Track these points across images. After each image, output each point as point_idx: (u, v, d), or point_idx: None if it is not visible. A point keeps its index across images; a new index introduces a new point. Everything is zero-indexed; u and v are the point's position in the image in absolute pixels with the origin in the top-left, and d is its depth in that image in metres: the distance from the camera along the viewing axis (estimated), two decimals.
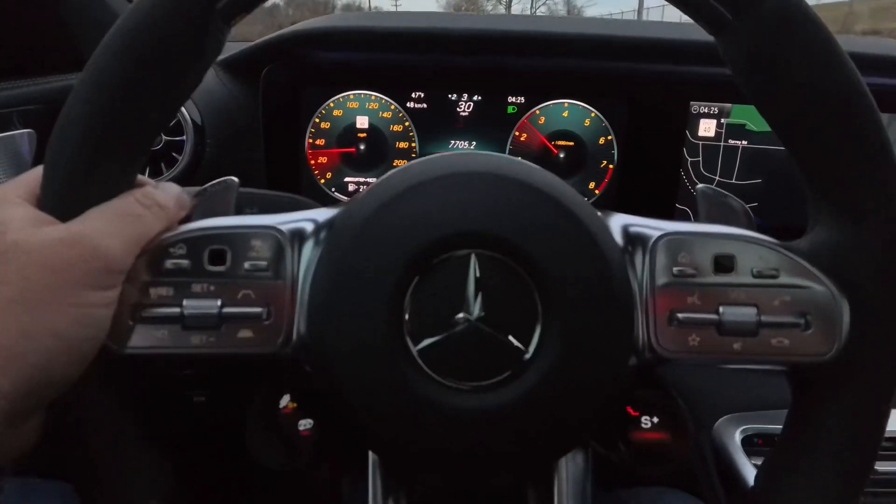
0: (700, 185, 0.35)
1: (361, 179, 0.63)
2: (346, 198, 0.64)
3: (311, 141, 0.62)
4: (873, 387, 0.28)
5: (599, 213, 0.30)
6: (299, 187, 0.63)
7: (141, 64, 0.25)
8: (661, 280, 0.28)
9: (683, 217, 0.63)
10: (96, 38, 0.61)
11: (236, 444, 0.30)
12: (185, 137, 0.58)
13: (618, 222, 0.30)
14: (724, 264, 0.28)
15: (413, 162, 0.30)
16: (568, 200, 0.28)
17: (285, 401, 0.30)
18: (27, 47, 0.57)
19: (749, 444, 0.54)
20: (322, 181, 0.63)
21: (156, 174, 0.59)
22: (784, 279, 0.28)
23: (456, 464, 0.28)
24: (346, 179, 0.63)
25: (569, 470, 0.33)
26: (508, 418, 0.26)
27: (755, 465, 0.53)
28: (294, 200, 0.44)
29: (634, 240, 0.29)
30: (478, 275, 0.27)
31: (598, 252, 0.27)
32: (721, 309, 0.28)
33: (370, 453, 0.34)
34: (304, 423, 0.29)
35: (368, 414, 0.27)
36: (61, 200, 0.25)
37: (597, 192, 0.64)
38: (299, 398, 0.30)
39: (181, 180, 0.59)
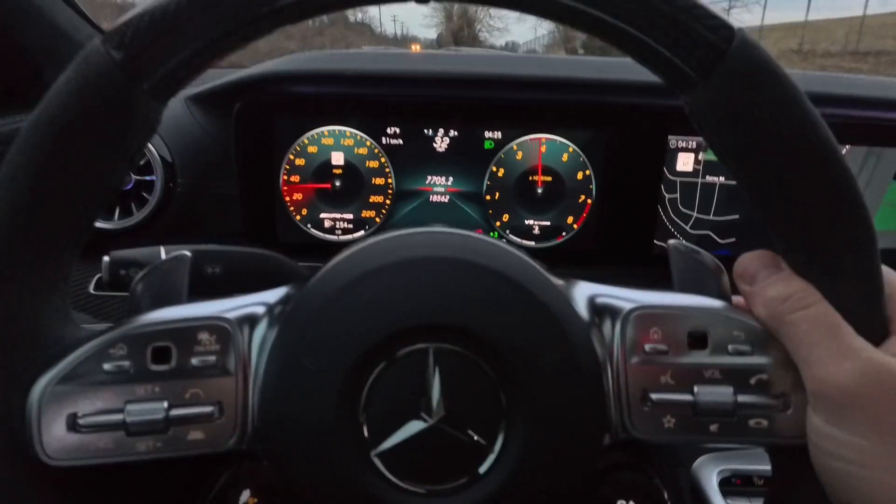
0: (672, 241, 0.33)
1: (338, 216, 0.61)
2: (322, 234, 0.62)
3: (286, 177, 0.60)
4: None
5: (562, 282, 0.29)
6: (274, 224, 0.61)
7: (66, 150, 0.23)
8: (633, 358, 0.27)
9: (661, 254, 0.62)
10: (59, 69, 0.58)
11: None
12: (154, 177, 0.56)
13: (583, 293, 0.29)
14: (697, 340, 0.27)
15: (364, 244, 0.28)
16: (528, 281, 0.27)
17: (245, 496, 0.28)
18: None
19: (727, 485, 0.53)
20: (297, 218, 0.61)
21: (126, 214, 0.56)
22: (760, 357, 0.26)
23: None
24: (322, 216, 0.61)
25: None
26: None
27: None
28: (260, 255, 0.42)
29: (602, 311, 0.28)
30: (438, 370, 0.25)
31: (561, 333, 0.26)
32: (696, 389, 0.26)
33: None
34: None
35: None
36: None
37: (575, 226, 0.62)
38: (260, 492, 0.28)
39: (151, 220, 0.57)
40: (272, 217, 0.61)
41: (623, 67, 0.59)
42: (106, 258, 0.41)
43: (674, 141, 0.59)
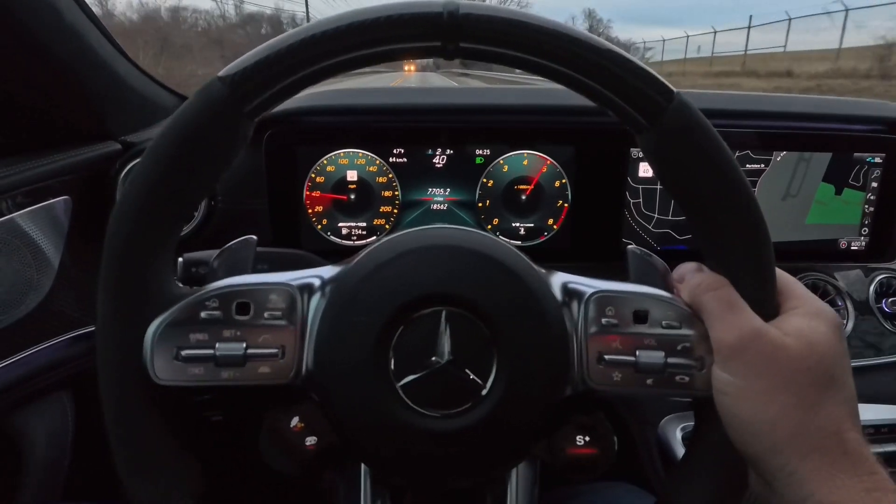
0: (630, 247, 0.41)
1: (353, 224, 0.70)
2: (340, 240, 0.71)
3: (308, 192, 0.69)
4: None
5: (543, 271, 0.36)
6: (299, 232, 0.70)
7: (183, 160, 0.31)
8: (592, 329, 0.34)
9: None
10: (117, 113, 0.68)
11: (254, 455, 0.35)
12: None
13: (558, 280, 0.36)
14: (640, 317, 0.34)
15: (396, 235, 0.36)
16: (517, 267, 0.35)
17: (295, 421, 0.35)
18: (58, 122, 0.64)
19: (688, 439, 0.62)
20: (319, 227, 0.70)
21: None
22: (685, 329, 0.33)
23: (429, 472, 0.34)
24: (340, 224, 0.70)
25: (519, 475, 0.39)
26: (470, 438, 0.33)
27: None
28: (298, 256, 0.51)
29: (572, 294, 0.35)
30: (448, 327, 0.33)
31: (539, 307, 0.34)
32: (637, 352, 0.33)
33: (362, 464, 0.39)
34: (310, 440, 0.35)
35: (360, 434, 0.33)
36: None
37: (555, 227, 0.71)
38: (306, 419, 0.35)
39: (197, 233, 0.66)
40: (297, 227, 0.69)
41: None
42: (180, 259, 0.49)
43: (635, 151, 0.69)
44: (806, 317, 0.32)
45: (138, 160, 0.32)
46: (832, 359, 0.30)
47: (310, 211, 0.69)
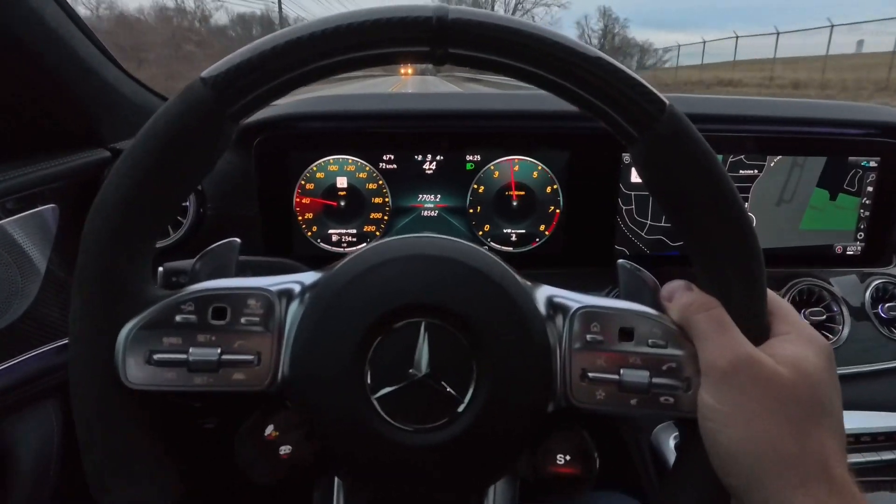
0: (620, 261, 0.40)
1: (343, 231, 0.70)
2: (330, 247, 0.70)
3: (298, 199, 0.68)
4: None
5: (529, 284, 0.35)
6: (290, 239, 0.69)
7: (164, 160, 0.30)
8: (576, 344, 0.33)
9: (621, 257, 0.70)
10: (107, 120, 0.67)
11: (228, 459, 0.35)
12: (188, 203, 0.64)
13: (543, 293, 0.35)
14: (626, 334, 0.33)
15: (377, 243, 0.36)
16: (500, 279, 0.34)
17: (269, 429, 0.34)
18: (46, 130, 0.63)
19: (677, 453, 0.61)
20: (309, 234, 0.69)
21: (164, 235, 0.65)
22: (671, 349, 0.32)
23: (403, 488, 0.33)
24: (330, 231, 0.70)
25: (497, 493, 0.38)
26: (446, 453, 0.32)
27: None
28: (282, 264, 0.50)
29: (557, 308, 0.34)
30: (427, 338, 0.32)
31: (523, 321, 0.33)
32: (622, 371, 0.32)
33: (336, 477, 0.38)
34: (284, 448, 0.34)
35: (334, 445, 0.32)
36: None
37: (547, 233, 0.70)
38: (281, 427, 0.34)
39: (186, 240, 0.65)
40: (288, 233, 0.69)
41: None
42: (160, 269, 0.49)
43: (627, 157, 0.68)
44: (798, 344, 0.30)
45: (118, 158, 0.31)
46: (824, 389, 0.29)
47: (300, 218, 0.69)
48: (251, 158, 0.66)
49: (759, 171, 0.69)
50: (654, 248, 0.71)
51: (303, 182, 0.68)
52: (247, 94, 0.30)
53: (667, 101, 0.30)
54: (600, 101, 0.30)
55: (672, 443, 0.60)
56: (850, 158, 0.69)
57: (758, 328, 0.32)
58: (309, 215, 0.69)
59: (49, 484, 0.57)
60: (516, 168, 0.68)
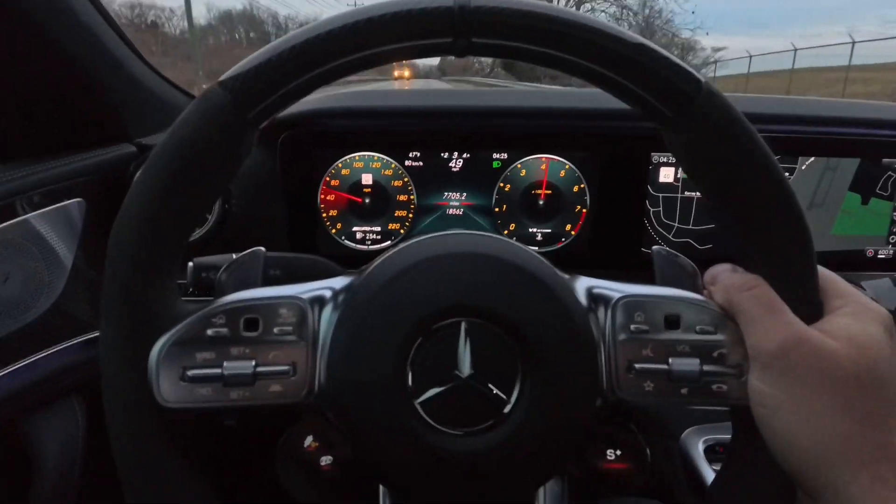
0: (655, 247, 0.39)
1: (367, 228, 0.69)
2: (355, 244, 0.69)
3: (323, 196, 0.67)
4: None
5: (567, 276, 0.34)
6: (314, 236, 0.68)
7: (184, 173, 0.29)
8: (620, 336, 0.32)
9: (648, 259, 0.68)
10: (133, 115, 0.66)
11: (268, 475, 0.34)
12: None
13: (582, 284, 0.34)
14: (672, 322, 0.32)
15: (409, 243, 0.34)
16: (540, 273, 0.32)
17: (309, 440, 0.33)
18: (75, 125, 0.62)
19: (711, 453, 0.59)
20: (333, 231, 0.68)
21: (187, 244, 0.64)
22: (720, 335, 0.31)
23: (451, 494, 0.32)
24: (355, 229, 0.68)
25: (547, 493, 0.37)
26: (495, 457, 0.30)
27: (715, 471, 0.58)
28: (311, 260, 0.49)
29: (597, 299, 0.33)
30: (468, 339, 0.31)
31: (566, 315, 0.31)
32: (670, 360, 0.31)
33: (381, 486, 0.37)
34: (325, 460, 0.33)
35: (377, 453, 0.31)
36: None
37: (573, 233, 0.69)
38: (320, 437, 0.33)
39: (211, 237, 0.64)
40: (312, 231, 0.68)
41: (610, 96, 0.67)
42: (190, 264, 0.48)
43: (656, 157, 0.67)
44: (853, 317, 0.29)
45: (138, 172, 0.29)
46: (885, 363, 0.27)
47: (324, 215, 0.68)
48: (276, 155, 0.65)
49: (791, 175, 0.68)
50: (681, 252, 0.69)
51: (328, 179, 0.67)
52: (266, 97, 0.29)
53: (702, 79, 0.28)
54: (632, 83, 0.29)
55: (701, 448, 0.59)
56: (885, 160, 0.67)
57: (810, 305, 0.30)
58: (333, 212, 0.68)
59: (73, 481, 0.56)
60: (543, 167, 0.67)
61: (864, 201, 0.69)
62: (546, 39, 0.28)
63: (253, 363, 0.30)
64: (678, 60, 0.28)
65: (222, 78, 0.29)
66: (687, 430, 0.61)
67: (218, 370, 0.30)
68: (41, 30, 0.51)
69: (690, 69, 0.29)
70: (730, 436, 0.61)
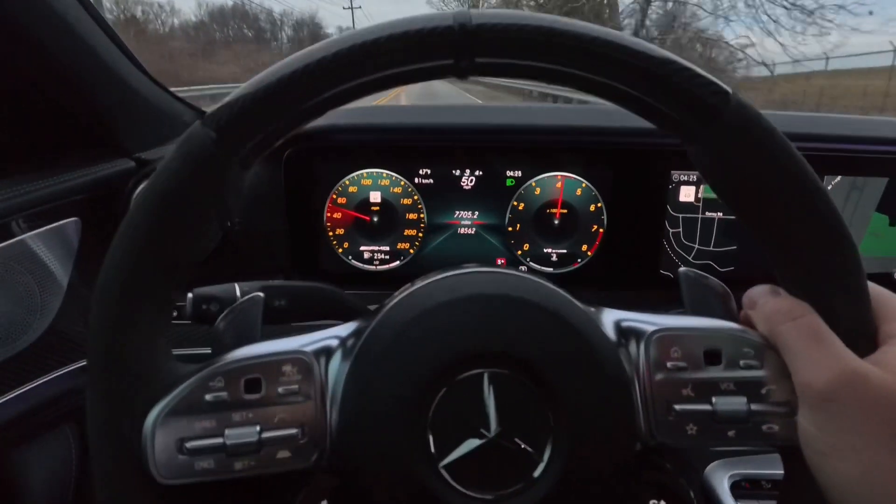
0: (682, 269, 0.36)
1: (375, 248, 0.66)
2: (361, 264, 0.66)
3: (329, 214, 0.65)
4: None
5: (592, 310, 0.31)
6: (319, 256, 0.66)
7: (168, 225, 0.26)
8: (657, 375, 0.29)
9: (665, 281, 0.66)
10: (131, 128, 0.63)
11: None
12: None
13: (610, 318, 0.31)
14: (713, 357, 0.29)
15: (417, 286, 0.31)
16: (564, 311, 0.30)
17: None
18: (71, 139, 0.60)
19: (737, 489, 0.56)
20: (340, 250, 0.66)
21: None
22: (768, 369, 0.29)
23: None
24: (362, 248, 0.66)
25: None
26: None
27: None
28: (317, 289, 0.46)
29: (628, 333, 0.31)
30: (492, 391, 0.28)
31: (594, 356, 0.29)
32: (714, 399, 0.28)
33: None
34: None
35: None
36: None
37: (589, 253, 0.66)
38: (336, 503, 0.31)
39: (212, 255, 0.61)
40: (317, 250, 0.65)
41: (628, 113, 0.64)
42: (189, 295, 0.45)
43: (676, 175, 0.64)
44: None
45: (121, 224, 0.27)
46: None
47: (330, 233, 0.65)
48: (280, 171, 0.63)
49: None
50: None
51: (334, 196, 0.64)
52: (254, 134, 0.26)
53: (730, 90, 0.26)
54: (651, 98, 0.26)
55: (727, 484, 0.56)
56: None
57: (863, 335, 0.27)
58: (340, 231, 0.65)
59: None
60: (559, 185, 0.64)
61: (891, 222, 0.66)
62: (555, 56, 0.26)
63: (258, 429, 0.28)
64: (703, 71, 0.26)
65: (206, 116, 0.26)
66: (711, 465, 0.58)
67: (219, 439, 0.27)
68: (33, 39, 0.49)
69: (715, 79, 0.26)
70: (759, 471, 0.59)
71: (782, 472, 0.32)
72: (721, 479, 0.56)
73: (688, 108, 0.26)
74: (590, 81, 0.26)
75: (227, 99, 0.26)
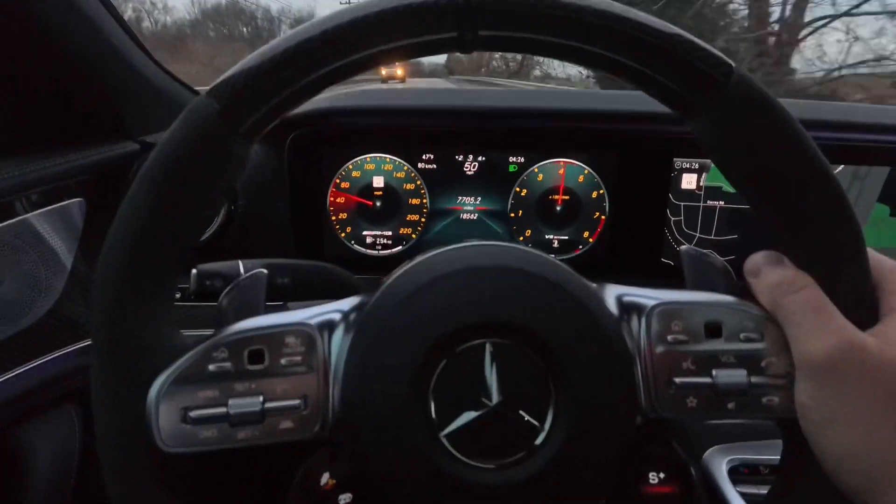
0: (684, 246, 0.36)
1: (378, 232, 0.66)
2: (364, 249, 0.66)
3: (332, 199, 0.65)
4: None
5: (595, 285, 0.31)
6: (322, 240, 0.66)
7: (171, 197, 0.26)
8: (658, 348, 0.29)
9: (667, 270, 0.66)
10: (136, 111, 0.63)
11: None
12: None
13: (612, 293, 0.31)
14: (713, 330, 0.29)
15: (421, 258, 0.32)
16: (568, 284, 0.30)
17: (325, 478, 0.31)
18: (76, 120, 0.60)
19: (735, 474, 0.56)
20: (342, 235, 0.66)
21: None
22: (768, 342, 0.29)
23: None
24: (364, 233, 0.66)
25: None
26: (533, 489, 0.28)
27: (740, 493, 0.55)
28: (321, 268, 0.46)
29: (629, 308, 0.30)
30: (494, 361, 0.28)
31: (598, 328, 0.29)
32: (714, 372, 0.29)
33: None
34: (344, 498, 0.30)
35: (401, 492, 0.28)
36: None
37: (591, 240, 0.66)
38: (337, 474, 0.30)
39: (217, 237, 0.62)
40: (320, 234, 0.65)
41: (632, 98, 0.64)
42: (193, 271, 0.45)
43: (679, 162, 0.64)
44: None
45: (126, 196, 0.27)
46: None
47: (333, 218, 0.65)
48: (285, 155, 0.63)
49: None
50: None
51: (338, 181, 0.64)
52: (259, 107, 0.26)
53: (733, 63, 0.26)
54: (654, 71, 0.26)
55: (725, 469, 0.56)
56: None
57: (864, 307, 0.27)
58: (343, 215, 0.65)
59: (67, 492, 0.54)
60: (561, 171, 0.64)
61: (892, 213, 0.66)
62: (556, 28, 0.25)
63: (261, 399, 0.28)
64: (705, 44, 0.26)
65: (209, 88, 0.26)
66: (709, 450, 0.58)
67: (223, 409, 0.28)
68: (41, 21, 0.49)
69: (718, 52, 0.26)
70: (757, 456, 0.59)
71: (780, 457, 0.32)
72: (720, 464, 0.56)
73: (690, 80, 0.26)
74: (592, 54, 0.26)
75: (231, 71, 0.26)
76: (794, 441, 0.30)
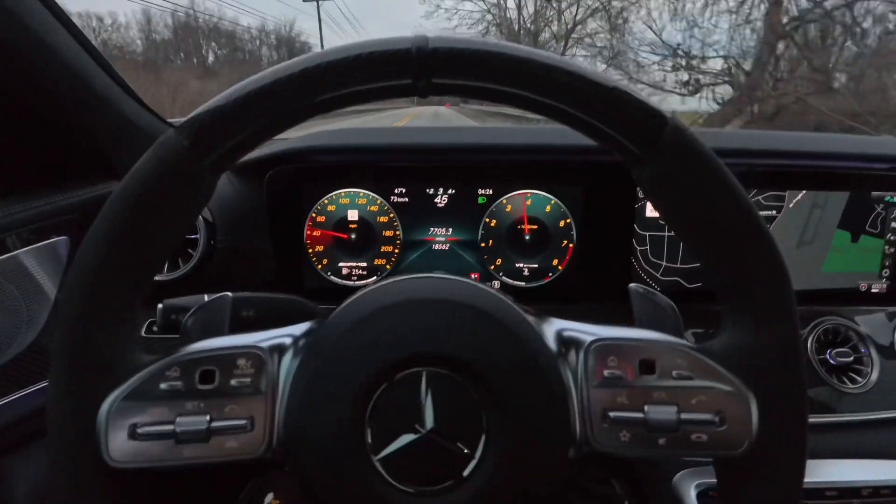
0: (632, 285, 0.37)
1: (353, 264, 0.68)
2: (341, 280, 0.68)
3: (309, 232, 0.67)
4: (783, 478, 0.30)
5: (535, 319, 0.33)
6: (301, 272, 0.68)
7: (138, 223, 0.28)
8: (593, 382, 0.30)
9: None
10: (121, 152, 0.66)
11: None
12: (198, 235, 0.63)
13: (552, 328, 0.33)
14: (647, 367, 0.30)
15: (370, 289, 0.33)
16: (505, 318, 0.31)
17: (269, 498, 0.32)
18: (62, 162, 0.63)
19: (704, 498, 0.56)
20: (320, 266, 0.68)
21: (174, 267, 0.64)
22: (699, 380, 0.30)
23: None
24: (341, 264, 0.68)
25: None
26: None
27: None
28: (286, 300, 0.48)
29: (568, 343, 0.32)
30: (429, 389, 0.29)
31: (532, 361, 0.30)
32: (646, 408, 0.30)
33: None
34: None
35: None
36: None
37: (560, 267, 0.68)
38: (281, 496, 0.32)
39: (196, 272, 0.64)
40: (299, 266, 0.67)
41: None
42: (160, 305, 0.47)
43: (643, 192, 0.66)
44: None
45: (96, 218, 0.29)
46: None
47: (311, 251, 0.67)
48: (263, 191, 0.65)
49: (778, 213, 0.67)
50: (670, 291, 0.68)
51: (314, 215, 0.67)
52: (223, 143, 0.28)
53: (668, 115, 0.28)
54: (596, 120, 0.28)
55: (693, 493, 0.56)
56: (874, 194, 0.66)
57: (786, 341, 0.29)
58: (320, 248, 0.67)
59: None
60: (529, 202, 0.67)
61: (853, 239, 0.68)
62: (504, 79, 0.28)
63: (207, 418, 0.29)
64: (639, 95, 0.28)
65: (178, 124, 0.28)
66: (679, 474, 0.58)
67: (170, 426, 0.29)
68: (24, 67, 0.52)
69: (653, 104, 0.28)
70: None
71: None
72: (688, 487, 0.57)
73: (628, 131, 0.28)
74: (539, 103, 0.28)
75: (200, 109, 0.28)
76: (727, 477, 0.31)
